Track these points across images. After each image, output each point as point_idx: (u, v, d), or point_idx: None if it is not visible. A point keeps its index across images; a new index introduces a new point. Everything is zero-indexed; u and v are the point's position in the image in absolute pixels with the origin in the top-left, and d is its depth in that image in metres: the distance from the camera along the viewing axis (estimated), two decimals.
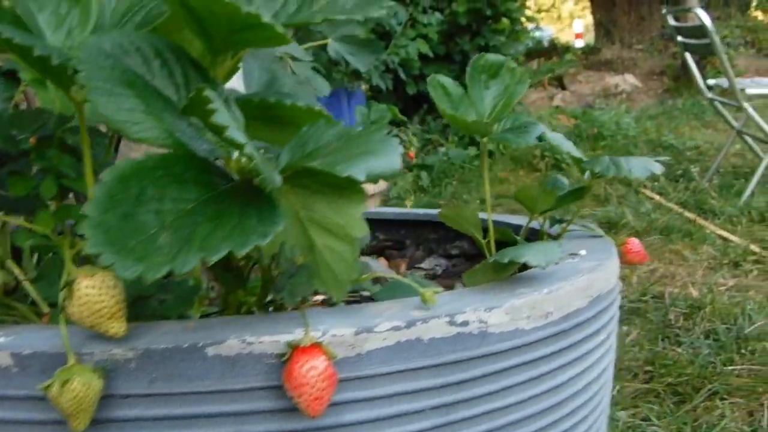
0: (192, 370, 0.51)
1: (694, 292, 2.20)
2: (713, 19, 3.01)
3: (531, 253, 0.63)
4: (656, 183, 3.62)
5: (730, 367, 1.70)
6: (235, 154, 0.52)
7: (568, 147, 0.85)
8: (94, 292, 0.48)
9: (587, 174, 0.85)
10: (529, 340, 0.61)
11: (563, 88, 6.70)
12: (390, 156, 0.50)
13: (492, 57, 0.98)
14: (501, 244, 0.90)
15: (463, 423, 0.59)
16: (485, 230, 0.94)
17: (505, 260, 0.62)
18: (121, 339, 0.51)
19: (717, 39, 3.01)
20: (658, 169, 0.77)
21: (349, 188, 0.52)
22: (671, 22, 3.51)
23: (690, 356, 1.76)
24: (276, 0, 0.57)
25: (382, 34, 4.90)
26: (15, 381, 0.51)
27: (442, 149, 4.56)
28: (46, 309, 0.59)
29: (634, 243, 0.85)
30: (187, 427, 0.52)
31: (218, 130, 0.42)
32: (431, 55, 5.09)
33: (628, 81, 6.62)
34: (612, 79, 6.61)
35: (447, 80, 0.97)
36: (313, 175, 0.53)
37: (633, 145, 4.73)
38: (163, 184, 0.47)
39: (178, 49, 0.53)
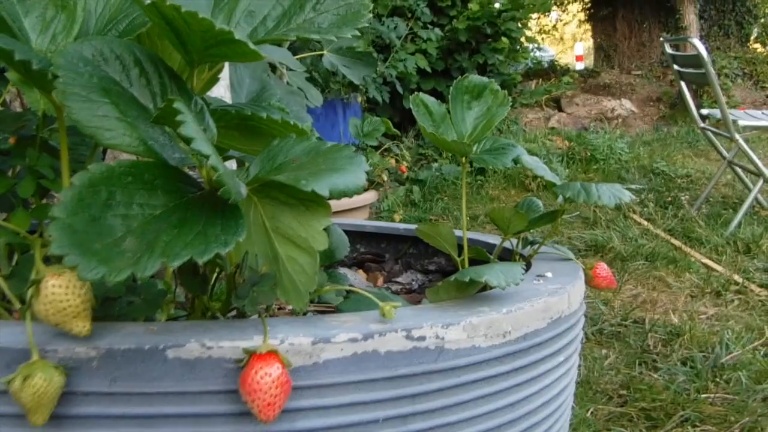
0: (152, 371, 0.53)
1: (675, 319, 2.22)
2: (712, 50, 3.05)
3: (492, 273, 0.65)
4: (645, 209, 3.66)
5: (704, 395, 1.72)
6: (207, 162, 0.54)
7: (542, 171, 0.88)
8: (60, 291, 0.49)
9: (560, 198, 0.88)
10: (485, 358, 0.63)
11: (560, 109, 6.74)
12: (355, 173, 0.52)
13: (476, 78, 1.01)
14: (475, 263, 0.92)
15: None
16: (461, 248, 0.96)
17: (466, 279, 0.64)
18: (84, 338, 0.53)
19: (712, 69, 3.05)
20: (628, 197, 0.80)
21: (315, 202, 0.54)
22: (668, 50, 3.55)
23: (665, 382, 1.78)
24: (255, 16, 0.59)
25: (381, 47, 4.94)
26: None
27: (436, 164, 4.59)
28: (17, 305, 0.61)
29: (603, 268, 0.88)
30: (146, 426, 0.54)
31: (186, 141, 0.44)
32: (429, 70, 5.13)
33: (624, 106, 6.67)
34: (609, 103, 6.66)
35: (429, 99, 0.99)
36: (281, 188, 0.55)
37: (625, 169, 4.77)
38: (131, 190, 0.49)
39: (157, 59, 0.56)
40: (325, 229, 0.53)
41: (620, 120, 6.52)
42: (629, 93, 7.05)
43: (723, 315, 2.29)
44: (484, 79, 1.01)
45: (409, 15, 5.24)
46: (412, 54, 5.09)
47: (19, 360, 0.52)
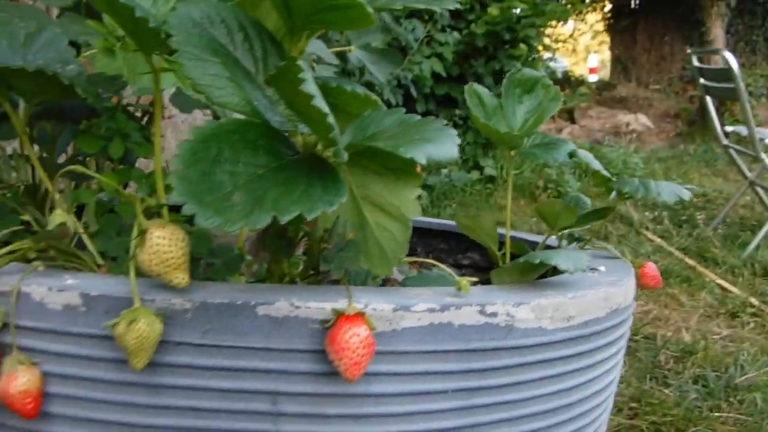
0: (242, 326, 0.57)
1: (687, 337, 2.26)
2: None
3: (561, 258, 0.68)
4: (659, 226, 3.70)
5: (716, 414, 1.75)
6: (303, 128, 0.58)
7: (597, 166, 0.91)
8: (164, 242, 0.53)
9: (614, 194, 0.91)
10: (549, 340, 0.67)
11: (573, 121, 6.79)
12: (448, 144, 0.56)
13: (528, 72, 1.04)
14: (515, 258, 0.96)
15: (482, 409, 0.64)
16: (501, 244, 1.00)
17: (536, 261, 0.68)
18: (181, 290, 0.56)
19: (742, 84, 3.07)
20: (687, 195, 0.83)
21: (406, 172, 0.58)
22: (695, 63, 3.58)
23: (677, 398, 1.81)
24: None
25: (398, 49, 4.98)
26: (81, 319, 0.56)
27: (445, 171, 4.63)
28: (101, 261, 0.65)
29: (651, 267, 0.91)
30: (232, 378, 0.57)
31: (305, 99, 0.48)
32: (444, 74, 5.17)
33: (640, 121, 6.72)
34: (624, 117, 6.72)
35: (483, 90, 1.03)
36: (371, 157, 0.58)
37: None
38: (237, 148, 0.53)
39: (259, 25, 0.59)
40: (417, 198, 0.57)
41: (635, 135, 6.57)
42: (646, 108, 7.11)
43: (738, 336, 2.33)
44: (537, 73, 1.05)
45: (427, 17, 5.28)
46: (428, 57, 5.13)
47: (117, 308, 0.56)
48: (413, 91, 4.97)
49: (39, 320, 0.58)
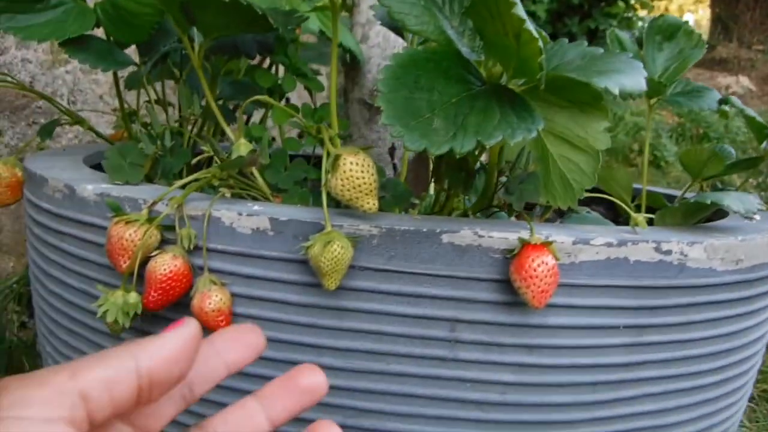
0: (427, 252, 0.58)
1: None
2: None
3: (732, 199, 0.68)
4: (764, 193, 3.57)
5: None
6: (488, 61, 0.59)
7: (752, 112, 0.89)
8: (356, 168, 0.55)
9: (765, 144, 0.89)
10: (719, 281, 0.67)
11: None
12: (636, 75, 0.56)
13: (670, 18, 1.02)
14: (649, 211, 0.95)
15: (650, 347, 0.65)
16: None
17: (707, 201, 0.67)
18: (368, 217, 0.58)
19: None
20: None
21: (591, 105, 0.58)
22: None
23: None
24: None
25: None
26: (270, 243, 0.59)
27: None
28: (268, 194, 0.67)
29: None
30: (413, 305, 0.59)
31: (518, 22, 0.48)
32: None
33: (741, 83, 6.47)
34: (724, 80, 6.47)
35: (624, 35, 1.01)
36: (555, 91, 0.59)
37: (741, 150, 4.64)
38: (432, 76, 0.54)
39: None
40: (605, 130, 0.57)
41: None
42: (748, 69, 6.83)
43: None
44: (679, 19, 1.02)
45: None
46: None
47: (305, 232, 0.58)
48: None
49: (228, 243, 0.61)
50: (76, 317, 0.71)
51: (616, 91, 0.54)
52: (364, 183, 0.55)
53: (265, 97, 0.62)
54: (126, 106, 0.92)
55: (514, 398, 0.63)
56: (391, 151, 0.92)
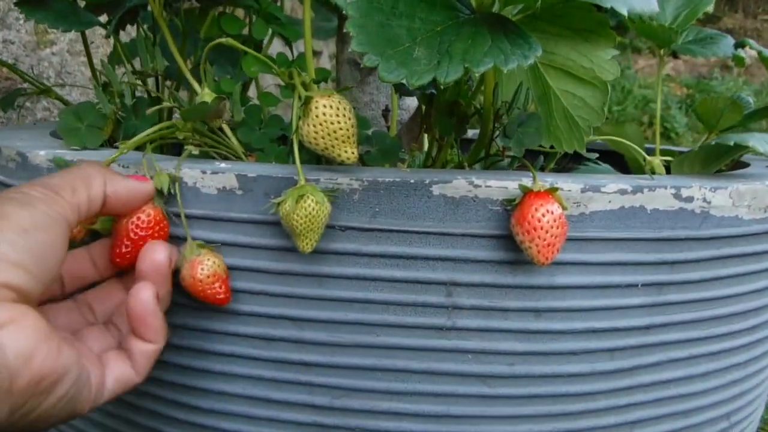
0: (415, 207, 0.51)
1: None
2: None
3: (756, 140, 0.60)
4: None
5: None
6: None
7: None
8: (331, 112, 0.48)
9: None
10: (745, 231, 0.59)
11: (675, 56, 6.47)
12: None
13: None
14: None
15: (671, 307, 0.58)
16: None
17: (730, 142, 0.60)
18: (347, 169, 0.51)
19: None
20: None
21: (596, 32, 0.51)
22: None
23: None
24: None
25: None
26: (238, 204, 0.52)
27: None
28: (241, 153, 0.60)
29: None
30: (402, 267, 0.52)
31: None
32: None
33: (748, 53, 6.34)
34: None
35: None
36: (554, 19, 0.52)
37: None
38: (413, 1, 0.47)
39: None
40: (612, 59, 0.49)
41: (743, 68, 6.21)
42: (754, 39, 6.70)
43: None
44: None
45: None
46: None
47: (278, 189, 0.51)
48: None
49: (193, 206, 0.54)
50: None
51: (625, 12, 0.47)
52: (340, 128, 0.48)
53: (228, 40, 0.54)
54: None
55: (522, 369, 0.56)
56: (385, 113, 0.85)
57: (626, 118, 4.56)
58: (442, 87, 0.42)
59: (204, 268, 0.51)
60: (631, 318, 0.56)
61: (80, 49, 1.58)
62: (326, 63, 2.98)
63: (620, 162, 0.87)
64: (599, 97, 0.51)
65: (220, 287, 0.52)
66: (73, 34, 1.53)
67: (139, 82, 0.66)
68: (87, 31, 0.81)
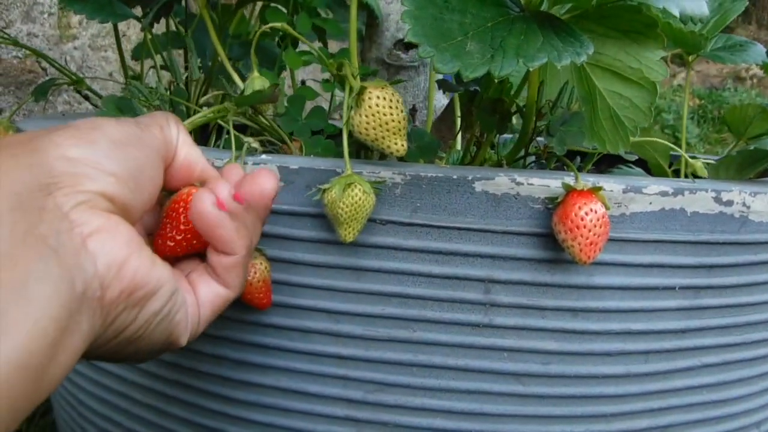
0: (457, 203, 0.51)
1: None
2: None
3: None
4: None
5: None
6: None
7: None
8: (384, 104, 0.47)
9: None
10: None
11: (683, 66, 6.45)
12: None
13: None
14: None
15: (707, 312, 0.57)
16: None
17: None
18: (389, 163, 0.51)
19: None
20: None
21: (644, 34, 0.50)
22: None
23: None
24: None
25: None
26: (279, 195, 0.52)
27: None
28: (288, 143, 0.60)
29: None
30: (441, 263, 0.52)
31: None
32: None
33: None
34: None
35: None
36: (603, 19, 0.51)
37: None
38: None
39: None
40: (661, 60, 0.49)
41: (755, 80, 6.19)
42: None
43: None
44: None
45: None
46: None
47: (320, 180, 0.51)
48: None
49: None
50: None
51: (677, 13, 0.47)
52: (392, 120, 0.48)
53: (282, 25, 0.54)
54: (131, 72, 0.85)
55: (557, 369, 0.55)
56: (413, 112, 0.85)
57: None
58: (495, 80, 0.42)
59: (257, 272, 0.50)
60: (668, 321, 0.56)
61: (101, 44, 1.58)
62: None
63: (644, 168, 0.87)
64: (647, 97, 0.50)
65: (267, 292, 0.51)
66: (95, 30, 1.54)
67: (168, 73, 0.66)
68: (107, 26, 0.81)
